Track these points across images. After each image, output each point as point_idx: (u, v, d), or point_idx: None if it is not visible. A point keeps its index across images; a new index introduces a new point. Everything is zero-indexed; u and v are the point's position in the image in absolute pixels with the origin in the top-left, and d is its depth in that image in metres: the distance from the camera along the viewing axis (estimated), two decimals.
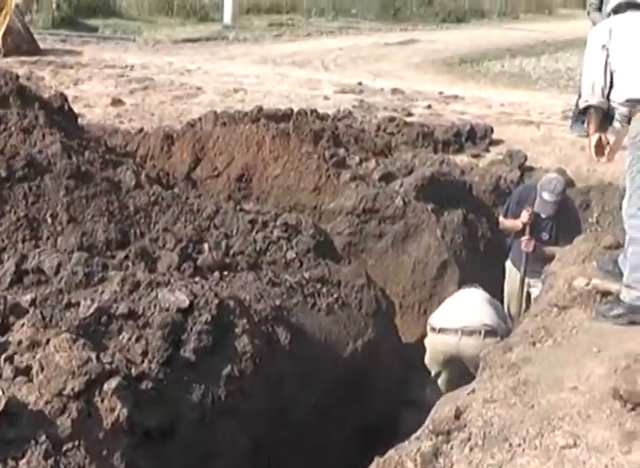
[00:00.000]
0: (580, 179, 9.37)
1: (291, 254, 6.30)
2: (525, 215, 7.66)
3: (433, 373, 7.10)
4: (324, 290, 6.05)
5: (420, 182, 8.19)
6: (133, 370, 4.31)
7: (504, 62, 21.48)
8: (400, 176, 8.57)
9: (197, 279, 5.36)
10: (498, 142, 10.60)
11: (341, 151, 9.02)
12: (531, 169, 9.62)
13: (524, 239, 7.66)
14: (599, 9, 10.50)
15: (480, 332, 6.77)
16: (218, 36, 24.42)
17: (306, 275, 6.08)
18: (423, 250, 7.96)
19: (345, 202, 8.12)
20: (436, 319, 7.04)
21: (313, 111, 10.91)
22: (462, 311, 6.96)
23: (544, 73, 19.36)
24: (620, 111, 5.58)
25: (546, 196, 7.50)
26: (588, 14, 10.69)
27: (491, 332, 6.78)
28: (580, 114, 10.68)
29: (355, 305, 6.16)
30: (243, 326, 4.89)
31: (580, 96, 10.77)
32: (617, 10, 5.96)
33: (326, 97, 13.42)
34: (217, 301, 4.81)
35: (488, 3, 45.92)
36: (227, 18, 28.59)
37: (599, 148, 5.79)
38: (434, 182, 8.28)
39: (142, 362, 4.39)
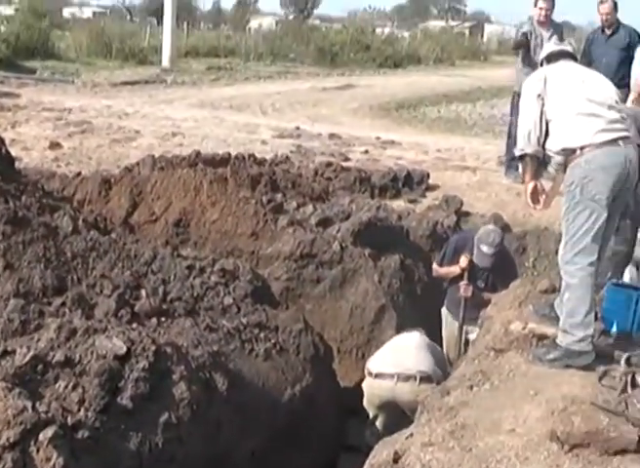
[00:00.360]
0: (517, 224, 9.51)
1: (228, 300, 6.32)
2: (464, 261, 7.75)
3: (371, 417, 7.14)
4: (262, 335, 6.06)
5: (357, 227, 8.26)
6: (69, 418, 4.28)
7: (441, 108, 21.89)
8: (337, 222, 8.63)
9: (134, 325, 5.35)
10: (434, 188, 10.73)
11: (279, 196, 9.07)
12: (467, 214, 9.74)
13: (462, 284, 7.74)
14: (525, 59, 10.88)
15: (415, 378, 6.83)
16: (156, 79, 24.52)
17: (244, 320, 6.09)
18: (361, 294, 8.01)
19: (283, 247, 8.16)
20: (373, 364, 7.08)
21: (251, 156, 10.97)
22: (399, 356, 7.02)
23: (480, 119, 19.78)
24: (556, 160, 5.71)
25: (485, 248, 7.60)
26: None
27: (426, 379, 6.84)
28: (514, 161, 10.91)
29: (293, 350, 6.18)
30: (180, 372, 4.88)
31: (508, 142, 11.12)
32: (549, 58, 6.13)
33: (264, 142, 13.51)
34: (154, 348, 4.81)
35: (424, 49, 46.71)
36: (166, 60, 28.73)
37: (535, 196, 5.89)
38: (371, 227, 8.35)
39: (79, 410, 4.36)
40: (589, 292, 5.44)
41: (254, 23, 61.29)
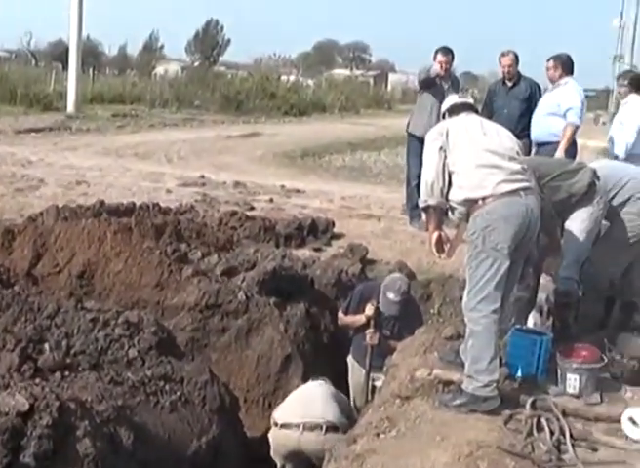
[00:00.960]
0: (421, 272, 9.62)
1: (133, 353, 6.27)
2: (370, 309, 7.82)
3: (279, 467, 7.14)
4: (167, 387, 6.03)
5: (262, 277, 8.29)
6: None
7: (346, 156, 22.09)
8: (242, 271, 8.65)
9: (38, 380, 5.27)
10: (339, 236, 10.83)
11: (184, 246, 9.07)
12: (372, 262, 9.81)
13: (369, 332, 7.80)
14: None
15: (322, 428, 6.85)
16: (61, 126, 24.28)
17: (149, 373, 6.06)
18: (267, 344, 8.02)
19: (188, 297, 8.14)
20: (279, 414, 7.09)
21: (155, 205, 10.94)
22: (305, 406, 7.04)
23: (385, 167, 20.02)
24: (459, 210, 5.85)
25: (391, 296, 7.70)
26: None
27: (332, 428, 6.87)
28: (416, 208, 11.08)
29: (199, 402, 6.16)
30: (85, 428, 4.84)
31: (407, 189, 11.30)
32: (451, 111, 6.29)
33: (168, 191, 13.48)
34: (57, 403, 4.76)
35: (329, 98, 47.20)
36: (71, 107, 28.53)
37: (439, 245, 6.03)
38: (276, 276, 8.39)
39: None
40: (493, 338, 5.57)
41: (160, 69, 61.19)
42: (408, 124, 11.58)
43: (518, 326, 6.52)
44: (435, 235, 5.98)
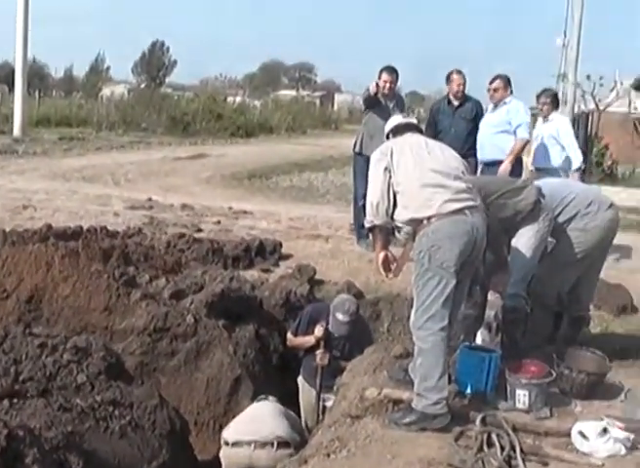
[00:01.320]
0: (369, 291, 9.65)
1: (82, 378, 6.21)
2: (319, 330, 7.85)
3: None
4: (116, 412, 5.98)
5: (210, 299, 8.26)
6: None
7: (293, 177, 22.10)
8: (191, 294, 8.61)
9: None
10: (287, 257, 10.81)
11: (131, 269, 9.00)
12: (320, 282, 9.81)
13: (319, 352, 7.81)
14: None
15: (273, 444, 6.83)
16: (7, 149, 24.03)
17: (98, 398, 6.00)
18: (216, 366, 7.98)
19: (136, 321, 8.07)
20: (229, 432, 7.04)
21: (103, 228, 10.85)
22: (255, 423, 7.01)
23: (332, 187, 20.04)
24: (405, 229, 5.89)
25: (340, 317, 7.73)
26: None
27: (284, 444, 6.84)
28: (363, 229, 11.11)
29: (149, 427, 6.11)
30: (33, 455, 4.77)
31: (354, 209, 11.33)
32: (396, 131, 6.33)
33: (116, 214, 13.38)
34: (6, 431, 4.69)
35: (276, 118, 47.23)
36: (17, 130, 28.26)
37: (386, 265, 6.08)
38: (224, 299, 8.36)
39: None
40: (442, 355, 5.60)
41: (106, 91, 60.88)
42: (355, 144, 11.61)
43: (467, 343, 6.57)
44: (382, 255, 6.04)
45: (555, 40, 28.17)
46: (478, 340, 6.99)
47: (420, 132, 6.45)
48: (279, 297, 9.11)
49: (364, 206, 10.78)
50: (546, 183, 7.34)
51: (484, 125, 10.93)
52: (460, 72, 11.41)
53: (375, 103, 11.29)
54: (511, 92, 10.75)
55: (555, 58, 23.06)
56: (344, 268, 10.45)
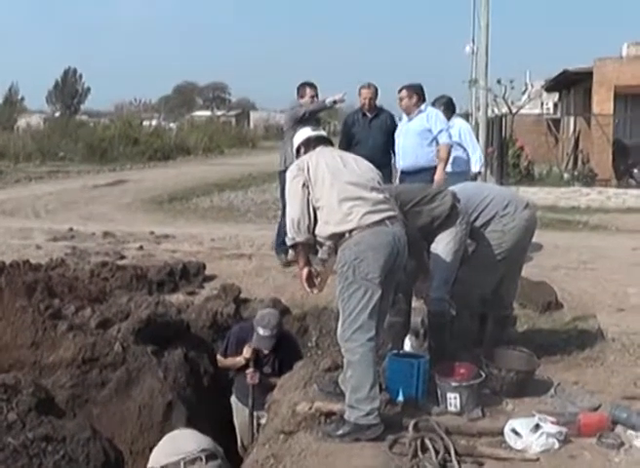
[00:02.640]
0: (296, 306, 9.63)
1: (12, 416, 6.14)
2: (247, 351, 7.85)
3: None
4: (50, 448, 5.93)
5: (137, 326, 8.19)
6: None
7: (213, 197, 22.09)
8: (117, 322, 8.52)
9: None
10: (211, 278, 10.73)
11: (56, 302, 8.87)
12: (246, 301, 9.77)
13: (249, 372, 7.81)
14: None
15: (201, 458, 6.75)
16: None
17: (30, 435, 5.94)
18: (148, 393, 7.90)
19: (64, 353, 7.97)
20: (155, 459, 6.97)
21: (26, 262, 10.65)
22: (176, 443, 6.93)
23: (253, 205, 20.04)
24: (327, 244, 5.92)
25: (261, 331, 7.73)
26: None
27: (212, 456, 6.77)
28: (283, 244, 11.12)
29: (83, 459, 6.07)
30: None
31: (278, 226, 11.33)
32: (307, 144, 6.33)
33: (38, 247, 13.17)
34: None
35: (193, 140, 47.13)
36: None
37: (310, 280, 6.10)
38: (151, 324, 8.29)
39: None
40: (371, 366, 5.63)
41: (22, 122, 60.12)
42: (281, 161, 11.55)
43: (394, 351, 6.62)
44: (305, 271, 6.05)
45: (465, 47, 28.63)
46: (406, 347, 7.06)
47: (331, 144, 6.48)
48: (206, 319, 9.07)
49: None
50: (462, 188, 7.43)
51: (404, 133, 10.94)
52: (369, 86, 11.48)
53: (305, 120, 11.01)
54: (423, 100, 10.83)
55: (466, 64, 23.42)
56: (269, 285, 10.43)
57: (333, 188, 5.83)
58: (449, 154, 10.57)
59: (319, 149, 6.22)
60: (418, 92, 10.79)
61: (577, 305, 9.51)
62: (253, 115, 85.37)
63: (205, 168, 33.30)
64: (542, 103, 40.26)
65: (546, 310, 9.27)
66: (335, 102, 11.19)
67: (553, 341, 7.96)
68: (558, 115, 36.75)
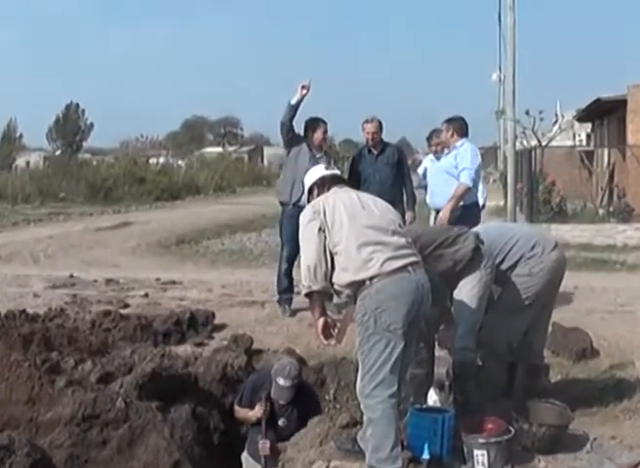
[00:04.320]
0: (312, 357, 9.59)
1: None
2: (258, 410, 7.84)
3: None
4: None
5: (140, 380, 8.14)
6: None
7: (224, 240, 22.16)
8: (120, 376, 8.48)
9: None
10: (221, 327, 10.70)
11: (54, 355, 8.85)
12: (258, 351, 9.73)
13: (261, 442, 7.75)
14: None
15: None
16: None
17: None
18: (152, 452, 7.83)
19: (63, 410, 7.92)
20: None
21: (22, 312, 10.66)
22: None
23: (267, 248, 19.90)
24: (346, 293, 5.86)
25: (282, 381, 7.72)
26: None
27: None
28: (285, 293, 11.09)
29: None
30: None
31: (279, 268, 11.30)
32: (321, 184, 6.31)
33: (36, 295, 13.19)
34: None
35: (202, 178, 47.37)
36: None
37: (327, 331, 6.02)
38: (156, 378, 8.24)
39: None
40: (393, 424, 5.60)
41: (20, 161, 60.64)
42: (278, 191, 11.51)
43: (417, 405, 6.57)
44: (321, 321, 5.97)
45: (491, 75, 28.69)
46: (429, 401, 7.01)
47: (347, 183, 6.48)
48: (215, 372, 9.01)
49: (289, 266, 10.85)
50: (485, 228, 7.44)
51: (434, 171, 11.13)
52: (372, 120, 11.54)
53: (297, 140, 11.11)
54: (464, 135, 10.79)
55: (493, 94, 23.46)
56: (284, 334, 10.40)
57: (351, 232, 5.82)
58: (463, 194, 10.53)
59: (334, 190, 6.21)
60: (456, 127, 10.80)
61: (614, 352, 9.44)
62: (266, 151, 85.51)
63: (216, 208, 33.41)
64: (575, 135, 40.30)
65: (581, 358, 9.22)
66: (301, 100, 10.85)
67: (589, 392, 7.91)
68: (591, 147, 36.69)
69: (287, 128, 11.02)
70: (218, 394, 8.92)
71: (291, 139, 11.13)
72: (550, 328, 9.25)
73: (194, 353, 9.66)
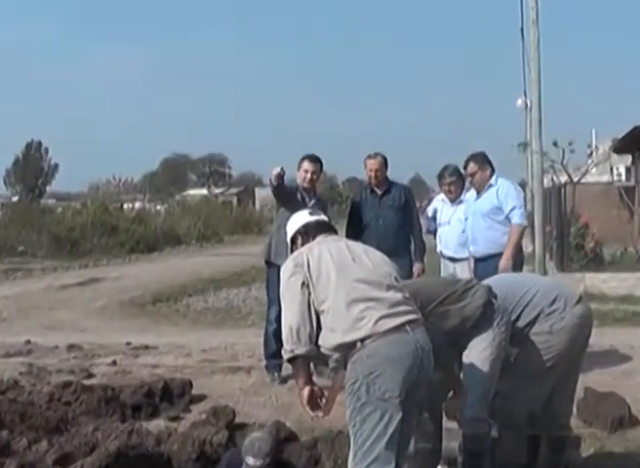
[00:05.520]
0: (305, 431, 9.52)
1: None
2: None
3: None
4: None
5: (104, 462, 8.10)
6: None
7: (208, 297, 22.22)
8: (80, 457, 8.46)
9: None
10: (200, 398, 10.66)
11: (5, 434, 8.86)
12: (242, 426, 9.61)
13: None
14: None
15: None
16: None
17: None
18: None
19: None
20: None
21: None
22: None
23: (256, 305, 19.80)
24: (334, 357, 5.83)
25: (251, 461, 7.47)
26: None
27: None
28: (274, 359, 11.10)
29: None
30: None
31: (266, 331, 11.34)
32: (305, 232, 6.33)
33: None
34: None
35: (184, 225, 47.40)
36: None
37: (313, 401, 5.96)
38: (122, 459, 8.22)
39: None
40: None
41: None
42: (266, 251, 11.61)
43: None
44: (307, 391, 5.91)
45: (516, 101, 28.75)
46: None
47: (335, 232, 6.49)
48: (191, 450, 8.94)
49: (278, 328, 10.85)
50: (498, 280, 7.44)
51: (473, 215, 11.13)
52: (375, 156, 11.67)
53: (288, 197, 11.10)
54: (493, 170, 10.92)
55: (519, 123, 23.40)
56: (272, 405, 10.40)
57: (340, 287, 5.79)
58: (521, 237, 10.63)
59: (320, 239, 6.22)
60: (487, 161, 10.91)
61: None
62: (259, 193, 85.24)
63: (199, 260, 33.53)
64: (612, 169, 40.18)
65: (617, 428, 9.15)
66: (281, 182, 10.85)
67: (627, 467, 7.87)
68: (632, 182, 36.53)
69: (276, 195, 11.23)
70: None
71: (285, 197, 11.17)
72: (582, 393, 9.30)
73: (168, 428, 9.59)
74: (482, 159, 10.93)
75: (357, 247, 6.24)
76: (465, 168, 11.08)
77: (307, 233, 6.31)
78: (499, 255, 10.54)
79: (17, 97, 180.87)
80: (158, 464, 8.52)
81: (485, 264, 10.59)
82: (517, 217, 10.65)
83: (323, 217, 6.55)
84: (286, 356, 5.91)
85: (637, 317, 16.66)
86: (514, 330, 6.96)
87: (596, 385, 9.75)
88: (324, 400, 6.04)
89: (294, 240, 6.40)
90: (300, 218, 6.48)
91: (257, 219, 62.04)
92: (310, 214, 6.59)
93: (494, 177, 10.85)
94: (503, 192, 10.73)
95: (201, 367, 12.56)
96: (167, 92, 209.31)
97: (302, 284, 5.84)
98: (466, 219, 11.31)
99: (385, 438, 5.54)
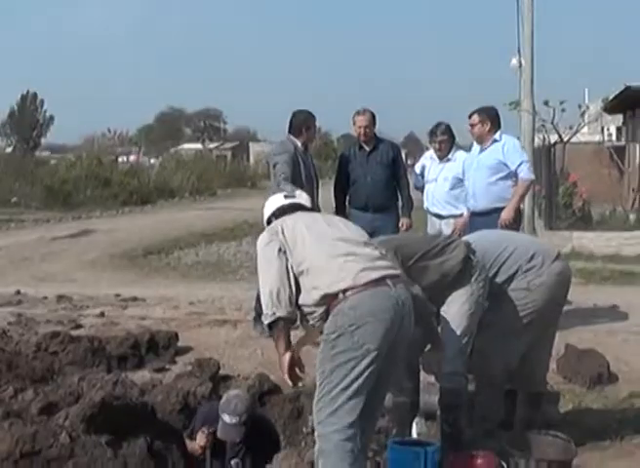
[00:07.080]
0: (288, 384, 9.60)
1: None
2: (201, 438, 7.76)
3: None
4: None
5: (88, 411, 8.12)
6: None
7: (199, 250, 22.22)
8: (65, 406, 8.49)
9: None
10: (186, 350, 10.72)
11: None
12: (226, 378, 9.69)
13: None
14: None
15: None
16: None
17: None
18: None
19: None
20: None
21: None
22: None
23: (247, 259, 19.67)
24: (317, 313, 5.82)
25: (227, 418, 7.48)
26: (278, 185, 11.07)
27: None
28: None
29: None
30: None
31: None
32: (279, 214, 6.38)
33: None
34: None
35: (178, 179, 47.25)
36: None
37: (293, 370, 5.91)
38: (106, 409, 8.24)
39: None
40: (347, 460, 5.53)
41: None
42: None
43: (398, 438, 6.61)
44: (287, 357, 5.86)
45: (510, 60, 28.58)
46: (414, 433, 7.05)
47: (310, 211, 6.54)
48: (175, 402, 8.99)
49: None
50: (478, 237, 7.47)
51: (475, 169, 11.11)
52: (363, 112, 11.64)
53: None
54: (498, 126, 10.93)
55: (513, 82, 23.16)
56: (257, 359, 10.40)
57: (319, 246, 5.86)
58: (527, 190, 10.68)
59: (294, 215, 6.29)
60: (492, 117, 10.92)
61: (635, 378, 9.43)
62: (253, 148, 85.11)
63: (191, 213, 33.43)
64: (603, 128, 40.06)
65: (596, 384, 9.21)
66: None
67: (604, 423, 7.91)
68: (622, 142, 36.53)
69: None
70: (178, 427, 8.92)
71: None
72: (563, 350, 9.35)
73: (153, 380, 9.64)
74: (486, 113, 10.94)
75: (333, 217, 6.41)
76: (470, 117, 11.08)
77: (282, 215, 6.35)
78: (500, 210, 10.59)
79: (13, 48, 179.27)
80: (142, 415, 8.55)
81: (486, 218, 10.55)
82: (526, 172, 10.74)
83: (299, 200, 6.58)
84: (267, 320, 5.88)
85: (623, 276, 16.67)
86: (492, 286, 6.98)
87: (577, 342, 9.82)
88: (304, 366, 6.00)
89: (269, 223, 6.43)
90: (275, 202, 6.53)
91: (250, 174, 61.87)
92: (285, 197, 6.61)
93: (498, 133, 10.87)
94: (509, 148, 10.78)
95: (188, 319, 12.59)
96: (165, 43, 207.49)
97: (279, 250, 5.90)
98: (464, 175, 11.35)
99: (352, 388, 5.53)
